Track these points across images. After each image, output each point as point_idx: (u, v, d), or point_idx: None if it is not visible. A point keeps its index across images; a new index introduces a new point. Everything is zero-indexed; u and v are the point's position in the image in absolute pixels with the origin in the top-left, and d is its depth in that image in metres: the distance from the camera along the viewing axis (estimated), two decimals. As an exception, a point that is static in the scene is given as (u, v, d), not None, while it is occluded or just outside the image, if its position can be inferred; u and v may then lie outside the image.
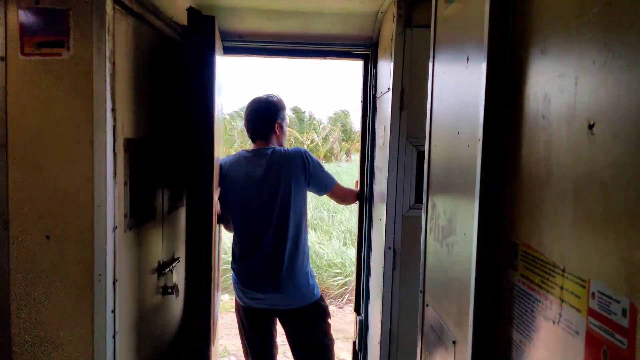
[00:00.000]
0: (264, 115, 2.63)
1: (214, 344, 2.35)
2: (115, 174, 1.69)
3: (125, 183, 1.81)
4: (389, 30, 2.40)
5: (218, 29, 2.65)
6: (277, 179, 2.49)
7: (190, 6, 2.10)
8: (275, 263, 2.49)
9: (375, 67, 2.80)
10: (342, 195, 2.83)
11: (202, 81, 2.14)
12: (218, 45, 2.36)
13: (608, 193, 0.70)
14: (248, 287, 2.54)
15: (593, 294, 0.72)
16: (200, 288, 2.23)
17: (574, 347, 0.77)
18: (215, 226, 2.29)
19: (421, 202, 1.66)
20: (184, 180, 2.34)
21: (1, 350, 1.65)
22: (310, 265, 2.61)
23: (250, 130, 2.66)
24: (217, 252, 2.74)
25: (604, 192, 0.71)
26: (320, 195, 2.73)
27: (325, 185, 2.64)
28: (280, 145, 2.68)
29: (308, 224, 2.68)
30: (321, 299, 2.61)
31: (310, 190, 2.62)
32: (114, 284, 1.68)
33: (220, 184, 2.56)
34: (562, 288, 0.81)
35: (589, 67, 0.77)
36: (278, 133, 2.65)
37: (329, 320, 2.65)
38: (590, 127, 0.74)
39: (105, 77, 1.61)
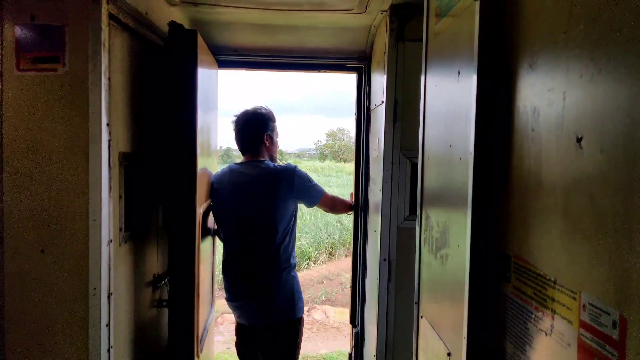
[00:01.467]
0: (252, 128, 2.62)
1: (199, 358, 2.32)
2: (110, 187, 1.69)
3: (120, 196, 1.82)
4: (381, 44, 2.43)
5: (212, 43, 2.68)
6: (262, 194, 2.49)
7: (172, 20, 2.11)
8: (252, 277, 2.49)
9: (369, 80, 2.82)
10: (330, 204, 2.83)
11: (183, 94, 2.12)
12: (205, 58, 2.36)
13: (596, 205, 0.71)
14: (230, 300, 2.57)
15: (584, 305, 0.73)
16: (182, 303, 2.20)
17: (566, 359, 0.78)
18: (199, 241, 2.25)
19: (416, 214, 1.67)
20: (166, 194, 2.30)
21: (-6, 366, 1.64)
22: (295, 283, 2.55)
23: (239, 143, 2.66)
24: (209, 264, 2.73)
25: (592, 204, 0.72)
26: (309, 207, 2.74)
27: (314, 197, 2.64)
28: (272, 156, 2.68)
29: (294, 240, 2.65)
30: (298, 321, 2.55)
31: (300, 203, 2.63)
32: (108, 297, 1.68)
33: (211, 196, 2.57)
34: (553, 300, 0.82)
35: (576, 82, 0.78)
36: (268, 145, 2.64)
37: (299, 347, 2.60)
38: (579, 140, 0.76)
39: (101, 92, 1.61)
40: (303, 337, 2.68)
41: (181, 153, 2.14)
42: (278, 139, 2.77)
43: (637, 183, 0.62)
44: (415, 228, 1.69)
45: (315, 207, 2.75)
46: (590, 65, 0.75)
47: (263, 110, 2.67)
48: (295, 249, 2.64)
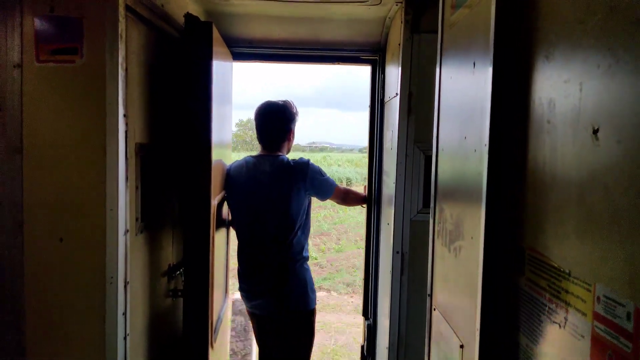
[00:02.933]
0: (280, 122, 2.61)
1: (213, 347, 2.35)
2: (127, 178, 1.71)
3: (136, 187, 1.84)
4: (396, 36, 2.42)
5: (227, 35, 2.69)
6: (277, 187, 2.51)
7: (188, 12, 2.12)
8: (266, 269, 2.52)
9: (383, 72, 2.81)
10: (343, 197, 2.86)
11: (198, 86, 2.13)
12: (220, 51, 2.37)
13: (612, 197, 0.70)
14: (244, 291, 2.61)
15: (598, 297, 0.73)
16: (197, 293, 2.22)
17: (580, 351, 0.78)
18: (213, 232, 2.27)
19: (429, 207, 1.67)
20: (181, 185, 2.32)
21: (16, 350, 1.68)
22: (308, 275, 2.58)
23: (265, 136, 2.63)
24: (224, 254, 2.76)
25: (607, 196, 0.71)
26: (322, 200, 2.77)
27: (327, 190, 2.67)
28: (288, 150, 2.71)
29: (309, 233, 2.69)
30: (313, 311, 2.58)
31: (313, 196, 2.65)
32: (125, 286, 1.71)
33: (225, 188, 2.60)
34: (567, 292, 0.82)
35: (593, 72, 0.78)
36: (290, 140, 2.68)
37: (312, 342, 2.64)
38: (595, 131, 0.75)
39: (118, 84, 1.63)
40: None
41: (196, 145, 2.16)
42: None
43: (653, 174, 0.62)
44: (428, 221, 1.68)
45: (331, 200, 2.78)
46: (607, 55, 0.75)
47: (289, 105, 2.67)
48: (308, 242, 2.66)
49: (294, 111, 2.68)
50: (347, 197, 2.91)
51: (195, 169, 2.18)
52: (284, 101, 2.68)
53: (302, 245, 2.57)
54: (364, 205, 3.03)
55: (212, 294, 2.26)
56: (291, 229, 2.52)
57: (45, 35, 1.64)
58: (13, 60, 1.63)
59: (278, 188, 2.51)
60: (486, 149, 1.09)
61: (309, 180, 2.55)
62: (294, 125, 2.69)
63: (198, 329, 2.24)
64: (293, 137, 2.72)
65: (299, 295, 2.52)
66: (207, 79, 2.13)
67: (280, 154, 2.63)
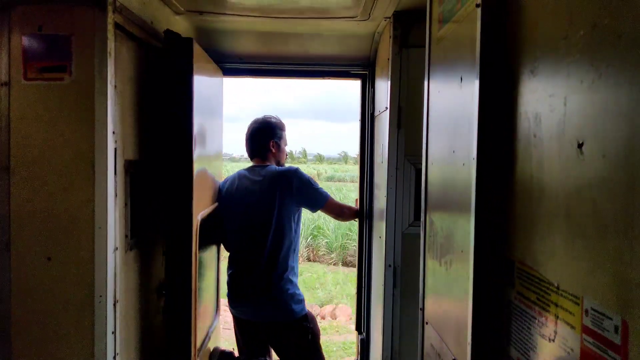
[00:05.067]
0: (260, 134, 2.74)
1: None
2: (116, 195, 1.70)
3: (125, 204, 1.83)
4: (385, 51, 2.44)
5: (217, 50, 2.70)
6: (263, 196, 2.57)
7: (167, 29, 2.13)
8: (252, 276, 2.57)
9: (373, 87, 2.83)
10: (336, 211, 2.87)
11: (180, 101, 2.13)
12: (204, 66, 2.37)
13: (598, 210, 0.71)
14: (231, 297, 2.68)
15: (586, 310, 0.73)
16: (179, 311, 2.18)
17: (569, 364, 0.78)
18: (196, 247, 2.25)
19: (420, 220, 1.67)
20: (165, 201, 2.31)
21: (1, 373, 1.65)
22: (295, 284, 2.61)
23: (248, 147, 2.78)
24: (214, 270, 2.74)
25: (594, 210, 0.72)
26: (313, 211, 2.79)
27: (316, 202, 2.68)
28: (279, 162, 2.77)
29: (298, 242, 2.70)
30: (304, 318, 2.60)
31: (302, 207, 2.67)
32: (114, 304, 1.69)
33: (218, 200, 2.66)
34: (556, 305, 0.82)
35: (577, 87, 0.79)
36: (274, 151, 2.74)
37: (316, 341, 2.66)
38: (580, 145, 0.76)
39: (107, 101, 1.63)
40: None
41: (178, 158, 2.15)
42: (286, 147, 2.86)
43: (638, 187, 0.62)
44: (419, 234, 1.68)
45: (322, 213, 2.80)
46: (590, 70, 0.76)
47: (272, 119, 2.78)
48: (297, 254, 2.68)
49: (276, 124, 2.77)
50: (341, 212, 2.92)
51: (178, 183, 2.16)
52: (266, 115, 2.81)
53: (290, 257, 2.60)
54: (357, 220, 3.04)
55: (195, 312, 2.21)
56: (278, 239, 2.55)
57: (34, 53, 1.64)
58: (0, 78, 1.62)
59: (263, 197, 2.58)
60: (474, 162, 1.10)
61: (296, 189, 2.58)
62: (278, 138, 2.76)
63: (181, 348, 2.20)
64: (279, 150, 2.78)
65: (280, 307, 2.56)
66: (188, 93, 2.12)
67: (269, 164, 2.71)
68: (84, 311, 1.64)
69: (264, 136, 2.73)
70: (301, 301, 2.61)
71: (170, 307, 2.21)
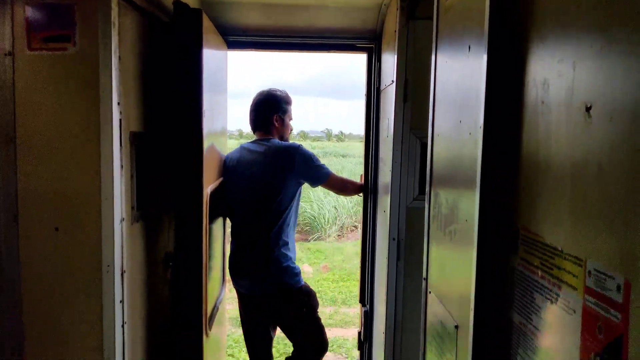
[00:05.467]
0: (264, 107, 2.72)
1: (208, 336, 2.36)
2: (122, 166, 1.71)
3: (131, 176, 1.84)
4: (392, 23, 2.41)
5: (221, 23, 2.67)
6: (265, 170, 2.59)
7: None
8: (250, 249, 2.62)
9: (379, 60, 2.81)
10: (338, 186, 2.87)
11: (189, 75, 2.12)
12: (212, 38, 2.36)
13: (604, 174, 0.71)
14: (232, 270, 2.72)
15: (589, 272, 0.74)
16: (190, 282, 2.22)
17: (571, 325, 0.79)
18: (207, 219, 2.28)
19: (425, 194, 1.68)
20: (174, 174, 2.33)
21: (14, 339, 1.68)
22: (290, 258, 2.64)
23: (251, 120, 2.76)
24: (220, 243, 2.78)
25: (600, 173, 0.72)
26: (314, 187, 2.80)
27: (317, 177, 2.69)
28: (282, 137, 2.76)
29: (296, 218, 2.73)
30: (299, 291, 2.64)
31: (303, 182, 2.69)
32: (122, 274, 1.71)
33: (223, 174, 2.68)
34: (560, 268, 0.83)
35: (586, 52, 0.78)
36: (277, 126, 2.72)
37: (313, 313, 2.70)
38: (588, 109, 0.76)
39: (111, 71, 1.63)
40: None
41: (188, 134, 2.16)
42: (291, 122, 2.83)
43: (644, 149, 0.62)
44: (424, 208, 1.69)
45: (325, 188, 2.81)
46: (600, 35, 0.75)
47: (277, 92, 2.75)
48: (294, 229, 2.71)
49: (281, 98, 2.74)
50: (344, 187, 2.93)
51: (188, 157, 2.17)
52: (271, 89, 2.77)
53: (286, 231, 2.62)
54: (361, 195, 3.05)
55: (205, 282, 2.26)
56: (277, 212, 2.57)
57: (37, 22, 1.63)
58: (4, 48, 1.62)
59: (264, 171, 2.59)
60: (481, 131, 1.09)
61: (297, 166, 2.59)
62: (282, 112, 2.73)
63: (192, 318, 2.24)
64: (283, 124, 2.75)
65: (276, 280, 2.60)
66: (197, 68, 2.11)
67: (272, 138, 2.70)
68: (92, 280, 1.66)
69: (268, 109, 2.71)
70: (297, 274, 2.64)
71: (180, 278, 2.25)
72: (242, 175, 2.64)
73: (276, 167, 2.58)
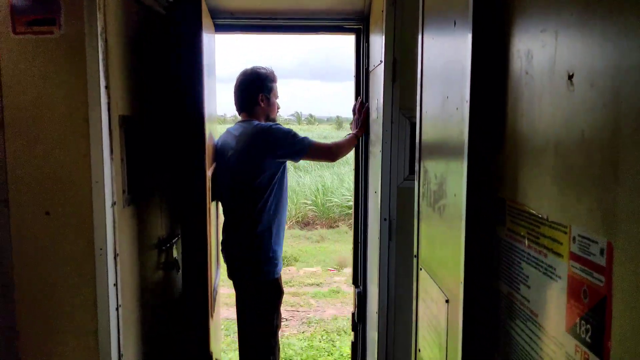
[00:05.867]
0: (247, 87, 2.66)
1: (212, 317, 2.40)
2: (111, 150, 1.71)
3: (121, 159, 1.83)
4: (379, 3, 2.40)
5: (208, 6, 2.65)
6: (239, 154, 2.55)
7: None
8: (231, 234, 2.62)
9: (367, 41, 2.80)
10: (324, 153, 2.76)
11: (189, 58, 2.14)
12: (207, 22, 2.36)
13: (586, 140, 0.72)
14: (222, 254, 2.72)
15: (574, 238, 0.75)
16: (196, 264, 2.27)
17: (557, 291, 0.81)
18: (209, 202, 2.31)
19: (414, 174, 1.69)
20: (175, 159, 2.37)
21: (6, 325, 1.69)
22: (269, 246, 2.60)
23: (235, 102, 2.71)
24: (215, 226, 2.80)
25: (582, 140, 0.73)
26: (296, 161, 2.74)
27: (297, 151, 2.60)
28: (268, 117, 2.71)
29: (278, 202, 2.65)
30: (270, 283, 2.61)
31: (284, 160, 2.63)
32: (115, 258, 1.72)
33: (214, 158, 2.65)
34: (545, 237, 0.85)
35: (567, 20, 0.79)
36: (263, 105, 2.66)
37: (270, 312, 2.66)
38: (570, 77, 0.76)
39: (98, 55, 1.62)
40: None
41: (190, 117, 2.18)
42: (277, 100, 2.77)
43: (624, 113, 0.64)
44: (414, 187, 1.71)
45: (313, 160, 2.79)
46: (579, 2, 0.76)
47: (262, 70, 2.68)
48: (278, 213, 2.63)
49: (265, 76, 2.67)
50: (329, 151, 2.77)
51: (190, 142, 2.20)
52: (255, 67, 2.71)
53: (269, 215, 2.57)
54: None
55: (210, 265, 2.30)
56: (254, 195, 2.54)
57: (21, 6, 1.61)
58: (-11, 33, 1.60)
59: (240, 154, 2.55)
60: (467, 105, 1.10)
61: (272, 144, 2.53)
62: (267, 90, 2.67)
63: (199, 300, 2.28)
64: (269, 103, 2.69)
65: (250, 265, 2.59)
66: (198, 52, 2.12)
67: (255, 120, 2.64)
68: (85, 264, 1.67)
69: (252, 89, 2.64)
70: (271, 265, 2.60)
71: (187, 261, 2.29)
72: (223, 159, 2.62)
73: (249, 149, 2.54)
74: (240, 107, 2.70)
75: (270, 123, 2.64)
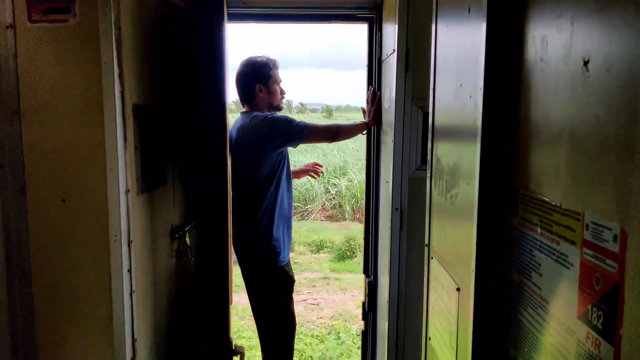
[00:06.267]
0: (244, 79, 2.65)
1: (231, 303, 2.43)
2: (125, 138, 1.72)
3: (135, 148, 1.85)
4: (393, -9, 2.38)
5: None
6: (240, 146, 2.57)
7: None
8: (237, 224, 2.62)
9: (380, 30, 2.79)
10: (324, 135, 2.73)
11: (211, 49, 2.16)
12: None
13: (601, 125, 0.72)
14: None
15: (587, 225, 0.75)
16: (216, 251, 2.31)
17: (569, 279, 0.81)
18: (229, 189, 2.35)
19: (426, 163, 1.68)
20: (196, 148, 2.40)
21: (24, 309, 1.72)
22: (272, 235, 2.61)
23: (238, 94, 2.72)
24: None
25: (597, 125, 0.73)
26: (295, 146, 2.72)
27: (294, 135, 2.58)
28: (272, 105, 2.68)
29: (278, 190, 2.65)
30: (274, 272, 2.63)
31: (284, 147, 2.61)
32: (129, 244, 1.74)
33: None
34: (558, 224, 0.84)
35: (584, 5, 0.78)
36: (262, 95, 2.64)
37: (282, 298, 2.68)
38: (585, 63, 0.76)
39: (112, 43, 1.63)
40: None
41: (214, 106, 2.21)
42: (278, 87, 2.71)
43: (640, 98, 0.63)
44: (426, 178, 1.70)
45: (313, 143, 2.79)
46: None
47: (257, 59, 2.66)
48: (280, 202, 2.64)
49: (262, 64, 2.64)
50: (329, 132, 2.74)
51: (212, 130, 2.23)
52: (251, 57, 2.68)
53: (271, 205, 2.59)
54: (364, 133, 2.84)
55: (230, 252, 2.34)
56: (253, 187, 2.56)
57: (37, -6, 1.62)
58: (5, 21, 1.62)
59: (241, 146, 2.57)
60: (481, 92, 1.10)
61: (267, 134, 2.52)
62: (265, 79, 2.63)
63: (220, 287, 2.31)
64: (269, 92, 2.66)
65: (253, 254, 2.62)
66: (220, 43, 2.15)
67: (256, 111, 2.64)
68: (100, 250, 1.70)
69: (249, 80, 2.63)
70: (275, 252, 2.62)
71: (204, 247, 2.34)
72: (231, 152, 2.62)
73: (247, 142, 2.55)
74: (241, 100, 2.71)
75: (267, 113, 2.61)
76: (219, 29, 2.11)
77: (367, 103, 2.86)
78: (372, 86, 2.86)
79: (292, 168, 2.83)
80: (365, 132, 2.82)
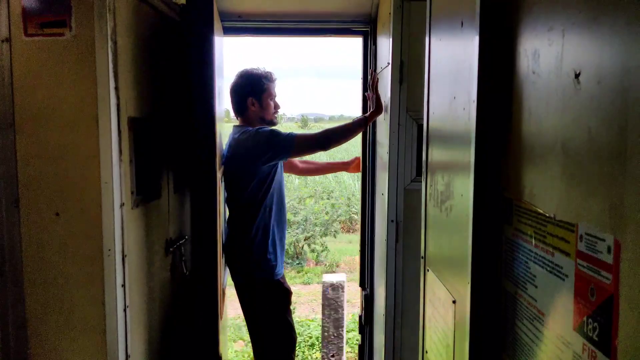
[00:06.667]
0: (236, 92, 2.63)
1: (221, 318, 2.40)
2: (120, 152, 1.72)
3: (130, 161, 1.85)
4: (387, 5, 2.41)
5: (217, 9, 2.67)
6: (231, 161, 2.55)
7: None
8: (230, 238, 2.63)
9: (375, 43, 2.81)
10: (314, 143, 2.56)
11: (201, 60, 2.15)
12: (217, 25, 2.37)
13: (593, 137, 0.72)
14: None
15: (581, 236, 0.75)
16: (205, 265, 2.29)
17: (564, 290, 0.80)
18: (220, 205, 2.33)
19: (421, 176, 1.69)
20: (187, 160, 2.39)
21: (16, 324, 1.70)
22: (267, 249, 2.58)
23: (231, 106, 2.70)
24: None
25: (589, 137, 0.73)
26: (285, 160, 2.66)
27: (282, 148, 2.50)
28: (264, 119, 2.64)
29: (270, 204, 2.60)
30: (271, 283, 2.60)
31: (274, 162, 2.55)
32: (123, 259, 1.73)
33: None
34: (552, 235, 0.84)
35: (575, 18, 0.79)
36: (254, 109, 2.60)
37: (281, 313, 2.64)
38: (577, 75, 0.76)
39: (108, 56, 1.63)
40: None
41: (201, 119, 2.20)
42: (272, 101, 2.66)
43: (631, 109, 0.63)
44: (421, 189, 1.70)
45: (305, 155, 2.75)
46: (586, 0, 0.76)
47: (253, 72, 2.62)
48: (273, 215, 2.61)
49: (256, 77, 2.60)
50: (316, 142, 2.57)
51: (201, 143, 2.21)
52: (246, 69, 2.65)
53: (261, 221, 2.56)
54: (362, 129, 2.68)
55: (220, 267, 2.32)
56: (247, 201, 2.54)
57: (33, 8, 1.63)
58: (1, 35, 1.62)
59: (231, 161, 2.55)
60: (474, 104, 1.10)
61: (257, 150, 2.48)
62: (258, 93, 2.58)
63: (208, 302, 2.29)
64: (262, 106, 2.61)
65: (246, 268, 2.60)
66: (209, 56, 2.14)
67: (247, 124, 2.62)
68: (93, 265, 1.68)
69: (242, 93, 2.60)
70: (265, 264, 2.59)
71: (196, 261, 2.31)
72: (223, 166, 2.61)
73: (237, 157, 2.53)
74: (234, 112, 2.68)
75: (257, 127, 2.57)
76: (207, 41, 2.12)
77: (369, 90, 2.69)
78: (374, 72, 2.74)
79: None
80: (375, 118, 2.62)
